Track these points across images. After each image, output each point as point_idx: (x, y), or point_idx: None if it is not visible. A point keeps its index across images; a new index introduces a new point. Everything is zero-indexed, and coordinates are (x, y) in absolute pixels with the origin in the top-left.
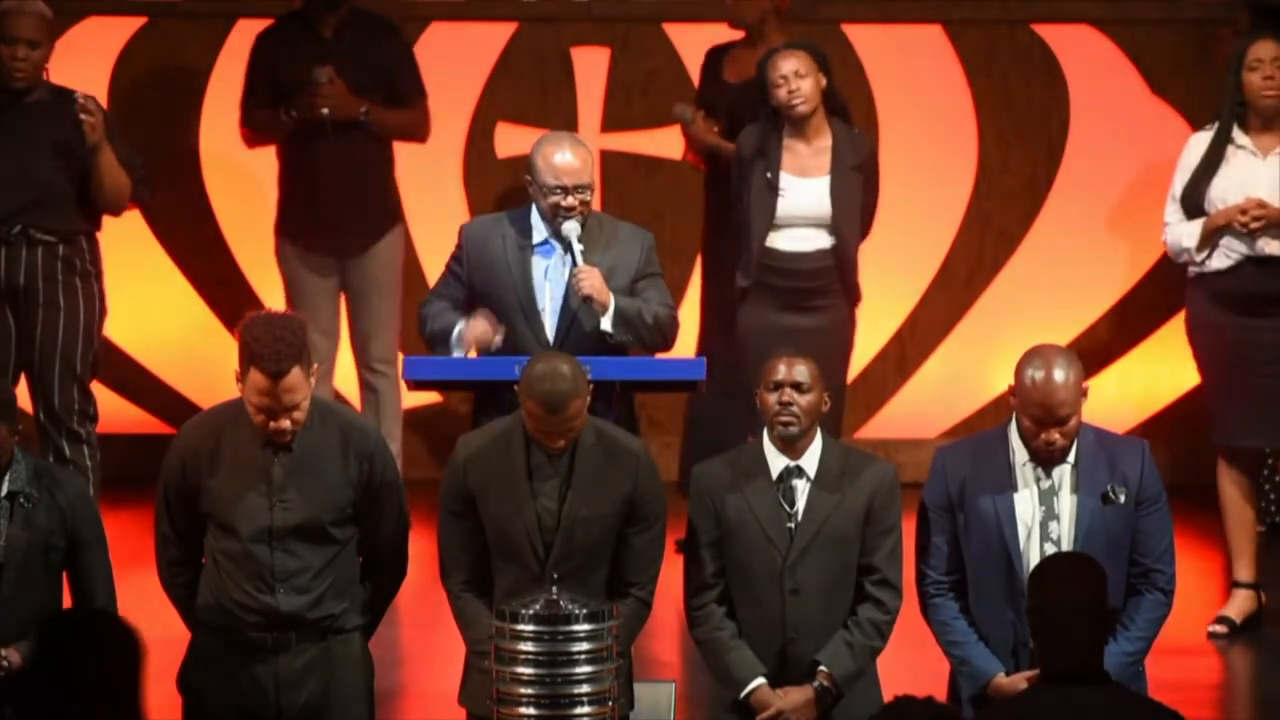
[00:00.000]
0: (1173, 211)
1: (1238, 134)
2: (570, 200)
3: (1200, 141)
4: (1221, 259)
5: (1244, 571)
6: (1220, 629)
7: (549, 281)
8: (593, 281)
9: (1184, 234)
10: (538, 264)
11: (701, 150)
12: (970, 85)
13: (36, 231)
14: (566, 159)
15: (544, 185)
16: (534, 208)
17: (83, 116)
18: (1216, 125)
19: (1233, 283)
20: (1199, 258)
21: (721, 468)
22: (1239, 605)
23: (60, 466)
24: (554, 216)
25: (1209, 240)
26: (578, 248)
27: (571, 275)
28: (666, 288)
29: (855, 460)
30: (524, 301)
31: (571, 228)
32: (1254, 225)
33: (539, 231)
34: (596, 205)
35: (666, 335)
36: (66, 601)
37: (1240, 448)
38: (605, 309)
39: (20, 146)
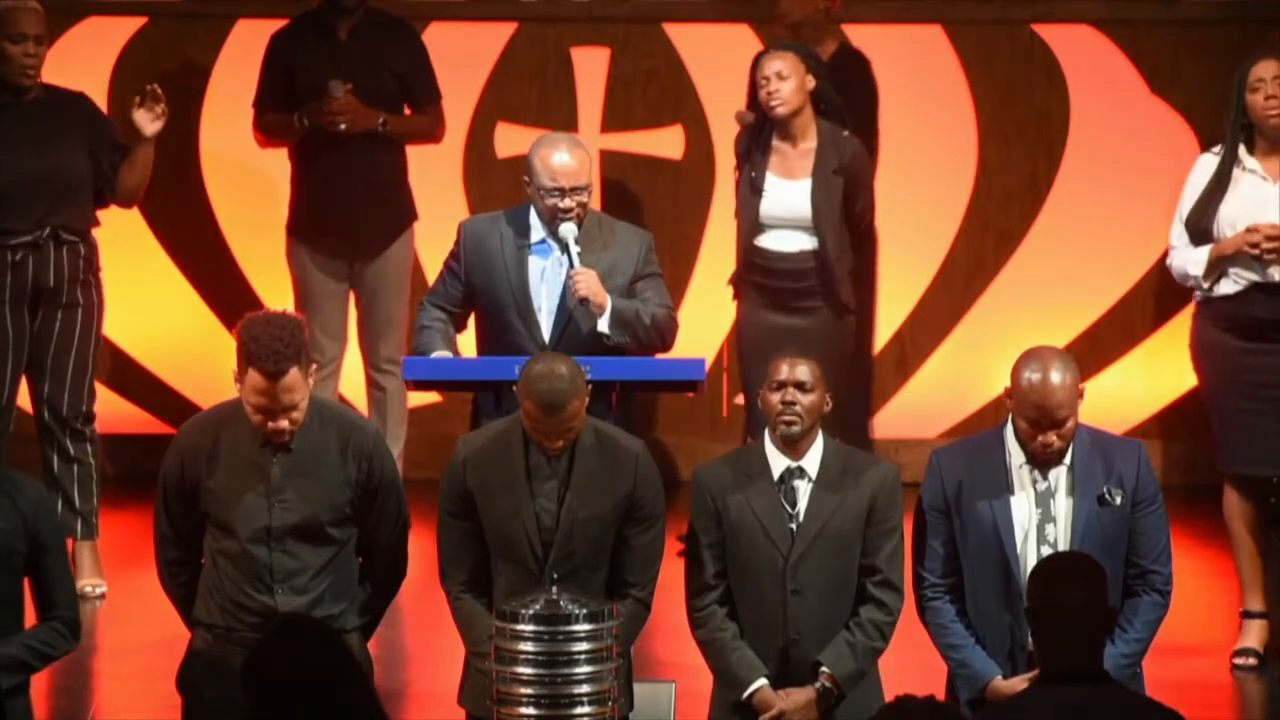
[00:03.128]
0: (1178, 235)
1: (1245, 156)
2: (567, 202)
3: (1208, 163)
4: (1229, 284)
5: (1256, 601)
6: (1249, 661)
7: (546, 281)
8: (589, 283)
9: (1190, 261)
10: (535, 263)
11: None
12: (970, 85)
13: (64, 232)
14: (564, 160)
15: (541, 187)
16: (532, 206)
17: (158, 106)
18: (1223, 147)
19: (1240, 308)
20: (1205, 284)
21: (723, 468)
22: (1258, 635)
23: (18, 472)
24: (551, 218)
25: (1216, 268)
26: (574, 249)
27: (568, 277)
28: (666, 288)
29: (857, 461)
30: (520, 301)
31: (569, 229)
32: (1267, 255)
33: (537, 230)
34: (596, 205)
35: (665, 336)
36: (28, 606)
37: (1246, 476)
38: (602, 310)
39: (42, 147)
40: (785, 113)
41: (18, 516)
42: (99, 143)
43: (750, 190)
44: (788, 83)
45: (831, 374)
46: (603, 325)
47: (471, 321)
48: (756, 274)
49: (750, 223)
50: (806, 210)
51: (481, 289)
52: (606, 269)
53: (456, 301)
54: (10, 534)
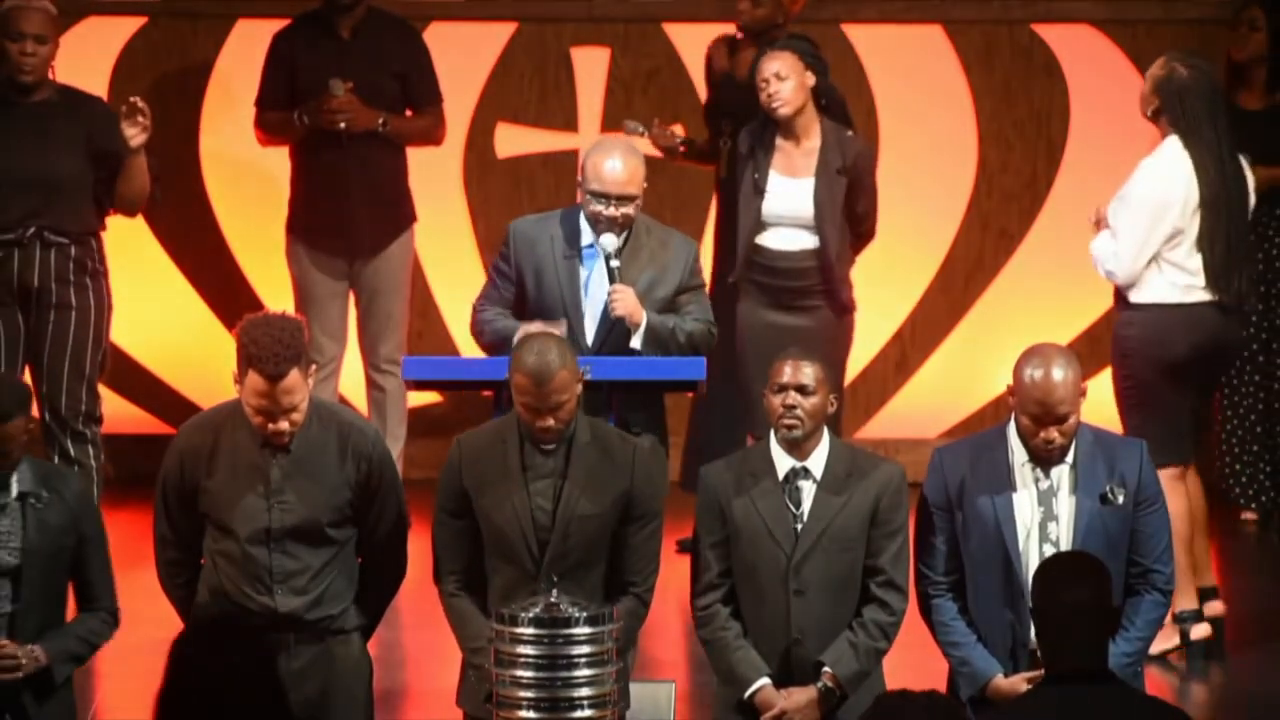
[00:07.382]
0: None
1: None
2: (612, 210)
3: None
4: None
5: None
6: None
7: (593, 284)
8: (625, 302)
9: None
10: (582, 268)
11: (670, 155)
12: (970, 85)
13: (50, 233)
14: (615, 168)
15: (590, 191)
16: (583, 209)
17: (138, 119)
18: None
19: None
20: None
21: (729, 468)
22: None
23: (60, 465)
24: (595, 224)
25: None
26: (614, 264)
27: (609, 293)
28: (708, 300)
29: (862, 461)
30: (567, 304)
31: (609, 241)
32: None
33: (586, 235)
34: None
35: (699, 351)
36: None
37: None
38: (637, 328)
39: (33, 147)
40: (788, 113)
41: (66, 510)
42: (101, 148)
43: (753, 190)
44: (787, 83)
45: (834, 368)
46: (635, 341)
47: None
48: (757, 272)
49: (752, 221)
50: (809, 209)
51: (532, 291)
52: (652, 280)
53: (508, 304)
54: (62, 530)
